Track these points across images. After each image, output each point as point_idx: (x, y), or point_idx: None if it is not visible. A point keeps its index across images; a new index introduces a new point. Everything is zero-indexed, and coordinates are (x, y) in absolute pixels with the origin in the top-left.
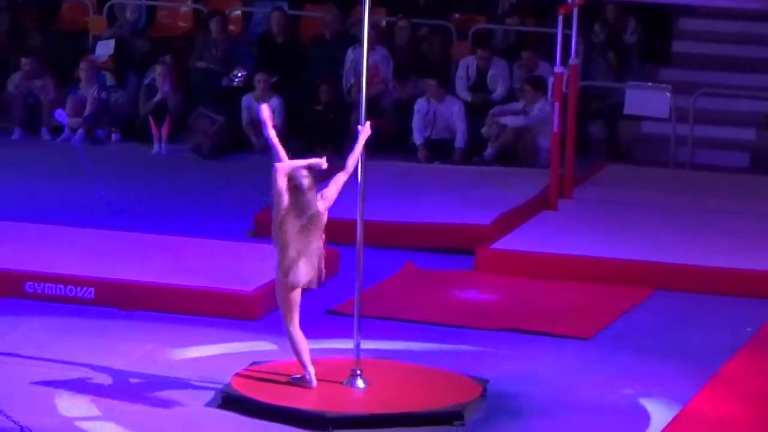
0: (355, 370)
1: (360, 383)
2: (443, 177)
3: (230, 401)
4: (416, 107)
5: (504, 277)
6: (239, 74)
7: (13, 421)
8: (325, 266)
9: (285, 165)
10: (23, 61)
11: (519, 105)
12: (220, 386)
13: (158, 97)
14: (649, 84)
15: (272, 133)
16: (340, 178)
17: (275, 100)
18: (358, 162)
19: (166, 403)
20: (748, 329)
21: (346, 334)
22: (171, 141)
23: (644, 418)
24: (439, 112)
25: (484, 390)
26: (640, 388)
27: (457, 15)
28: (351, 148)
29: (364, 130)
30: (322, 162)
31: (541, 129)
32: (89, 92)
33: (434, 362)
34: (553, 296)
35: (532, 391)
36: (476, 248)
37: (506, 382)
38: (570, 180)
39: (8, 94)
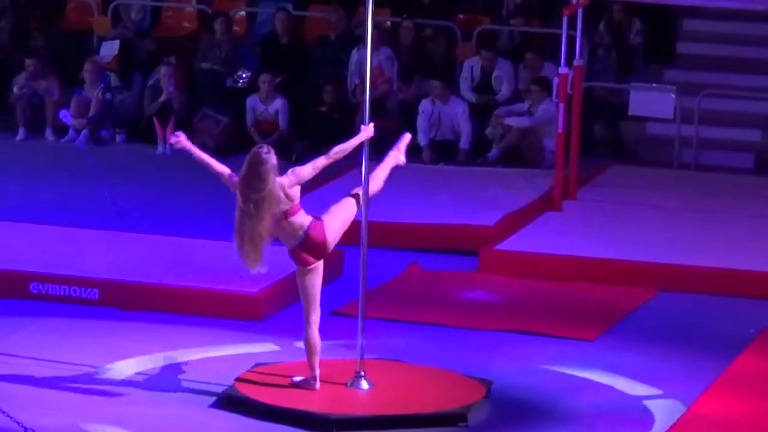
0: (359, 372)
1: (364, 384)
2: (448, 178)
3: (234, 402)
4: (421, 108)
5: (508, 278)
6: (244, 75)
7: (17, 421)
8: (330, 267)
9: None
10: (27, 61)
11: (524, 106)
12: (224, 387)
13: (163, 97)
14: (654, 85)
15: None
16: (319, 161)
17: (280, 101)
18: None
19: (170, 405)
20: (752, 330)
21: (350, 335)
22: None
23: (648, 419)
24: (444, 113)
25: (488, 391)
26: (644, 389)
27: (461, 15)
28: (356, 150)
29: (367, 129)
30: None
31: (545, 130)
32: (94, 93)
33: (438, 363)
34: (557, 297)
35: (536, 393)
36: (480, 249)
37: (510, 384)
38: (574, 181)
39: (13, 94)
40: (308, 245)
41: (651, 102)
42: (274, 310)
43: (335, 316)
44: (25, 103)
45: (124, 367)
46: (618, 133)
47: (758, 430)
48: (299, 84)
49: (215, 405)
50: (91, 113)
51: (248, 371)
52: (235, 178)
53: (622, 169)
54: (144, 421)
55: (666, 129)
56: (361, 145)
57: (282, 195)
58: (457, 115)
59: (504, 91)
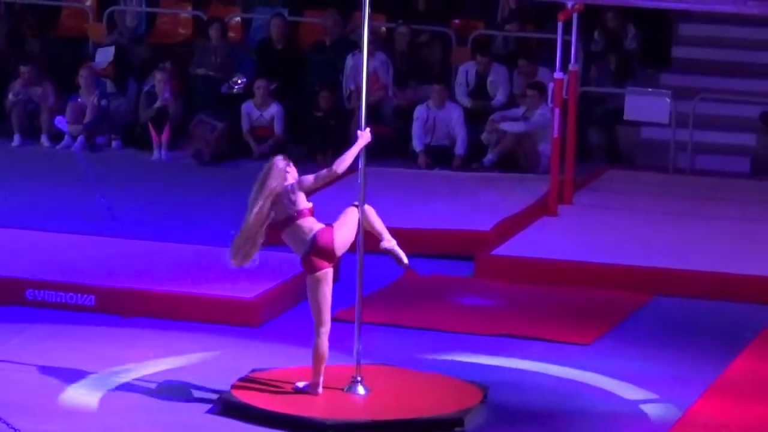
0: (356, 377)
1: (361, 390)
2: (443, 183)
3: (231, 408)
4: (416, 114)
5: (504, 283)
6: (239, 81)
7: (13, 428)
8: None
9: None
10: (23, 68)
11: (519, 111)
12: (220, 393)
13: (158, 103)
14: (649, 89)
15: None
16: (322, 173)
17: (275, 107)
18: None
19: (167, 410)
20: (748, 335)
21: (347, 341)
22: (171, 147)
23: (645, 423)
24: (439, 119)
25: (485, 396)
26: (640, 393)
27: (456, 21)
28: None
29: (364, 136)
30: None
31: (541, 135)
32: (89, 99)
33: (434, 368)
34: (553, 302)
35: (532, 397)
36: (476, 254)
37: (506, 388)
38: (570, 186)
39: (8, 101)
40: (316, 250)
41: (646, 106)
42: (270, 316)
43: (332, 321)
44: (21, 109)
45: (121, 374)
46: (614, 138)
47: None
48: (295, 90)
49: (212, 411)
50: (86, 119)
51: (245, 377)
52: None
53: (617, 174)
54: (140, 427)
55: (661, 133)
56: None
57: (284, 197)
58: (453, 120)
59: (499, 96)
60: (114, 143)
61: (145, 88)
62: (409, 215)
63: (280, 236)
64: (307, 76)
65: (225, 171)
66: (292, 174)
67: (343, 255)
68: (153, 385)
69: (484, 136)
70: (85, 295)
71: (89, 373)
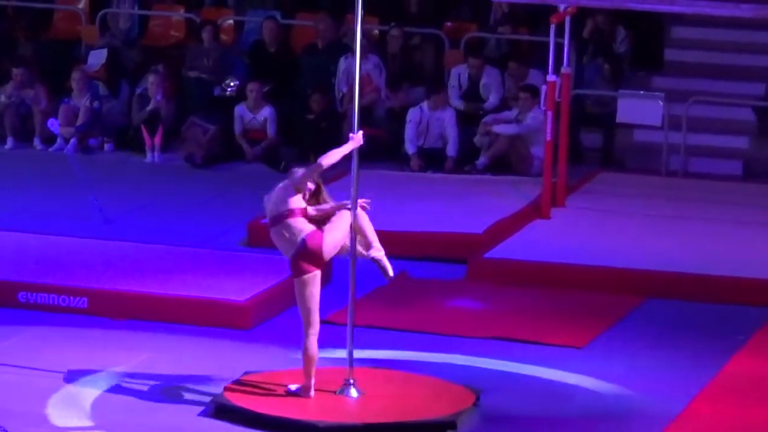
0: (348, 379)
1: (353, 392)
2: (436, 186)
3: (223, 411)
4: (409, 117)
5: (497, 286)
6: (232, 83)
7: (5, 430)
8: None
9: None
10: (15, 71)
11: (512, 113)
12: (212, 396)
13: (151, 106)
14: (642, 92)
15: None
16: (312, 166)
17: (268, 109)
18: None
19: (159, 413)
20: (741, 337)
21: (339, 343)
22: (164, 150)
23: (637, 426)
24: (433, 121)
25: (477, 399)
26: (633, 396)
27: (449, 23)
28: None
29: (356, 138)
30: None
31: (534, 137)
32: (82, 102)
33: (427, 371)
34: (546, 305)
35: (524, 400)
36: (469, 257)
37: (499, 391)
38: (563, 188)
39: (0, 104)
40: (304, 253)
41: (639, 109)
42: (262, 319)
43: (324, 323)
44: (13, 112)
45: (113, 376)
46: (607, 141)
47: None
48: (287, 92)
49: (204, 413)
50: (79, 122)
51: (237, 379)
52: None
53: (610, 177)
54: (132, 429)
55: (654, 136)
56: (350, 153)
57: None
58: (445, 122)
59: (492, 98)
60: (106, 146)
61: (138, 91)
62: (401, 218)
63: (262, 237)
64: (300, 79)
65: (217, 173)
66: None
67: (336, 258)
68: (145, 388)
69: (476, 139)
70: (78, 298)
71: (81, 375)
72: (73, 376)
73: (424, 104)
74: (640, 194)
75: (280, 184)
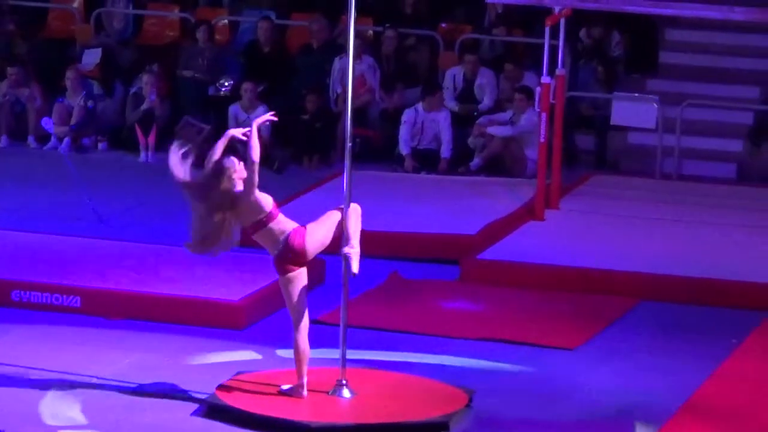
0: (341, 380)
1: (346, 393)
2: (430, 187)
3: (215, 411)
4: (404, 118)
5: (490, 287)
6: (226, 83)
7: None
8: (311, 275)
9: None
10: (10, 69)
11: (506, 115)
12: (205, 395)
13: (145, 105)
14: (636, 95)
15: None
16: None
17: (262, 110)
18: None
19: (152, 412)
20: (734, 341)
21: (331, 344)
22: (158, 149)
23: (630, 429)
24: (427, 122)
25: (470, 400)
26: (624, 398)
27: (444, 25)
28: (339, 158)
29: (260, 119)
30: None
31: (528, 139)
32: (76, 101)
33: (420, 372)
34: (539, 306)
35: (517, 402)
36: (462, 258)
37: (491, 392)
38: (557, 190)
39: None
40: (287, 252)
41: (633, 112)
42: (254, 319)
43: (317, 324)
44: (8, 110)
45: (106, 375)
46: (601, 143)
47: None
48: (281, 92)
49: (197, 413)
50: (73, 121)
51: (229, 379)
52: None
53: (604, 179)
54: (125, 428)
55: (648, 139)
56: (342, 155)
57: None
58: (440, 123)
59: (486, 100)
60: (101, 145)
61: (132, 90)
62: (395, 219)
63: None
64: (294, 79)
65: None
66: (239, 169)
67: (329, 259)
68: (138, 387)
69: (470, 140)
70: (71, 297)
71: (74, 374)
72: (65, 375)
73: (419, 105)
74: (633, 197)
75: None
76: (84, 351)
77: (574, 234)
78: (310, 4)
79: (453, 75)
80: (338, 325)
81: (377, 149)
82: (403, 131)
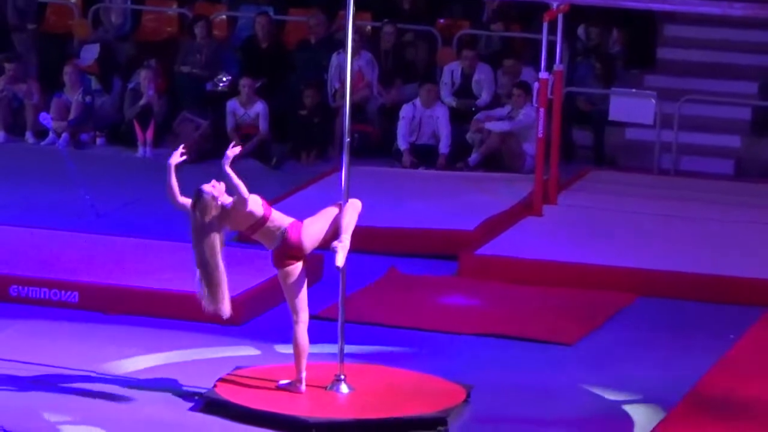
0: (339, 375)
1: (344, 388)
2: (428, 182)
3: (214, 406)
4: (402, 113)
5: (488, 283)
6: (224, 79)
7: (3, 428)
8: (309, 271)
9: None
10: (7, 65)
11: (504, 110)
12: (203, 391)
13: (143, 101)
14: (634, 90)
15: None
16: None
17: (260, 105)
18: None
19: (150, 407)
20: (731, 336)
21: (330, 339)
22: (156, 145)
23: (628, 424)
24: (425, 118)
25: (468, 395)
26: (623, 394)
27: (442, 20)
28: (337, 154)
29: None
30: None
31: (526, 134)
32: (74, 96)
33: (418, 367)
34: (537, 302)
35: (515, 397)
36: (460, 254)
37: (490, 388)
38: (554, 186)
39: None
40: (284, 246)
41: (631, 108)
42: (252, 314)
43: (315, 319)
44: (5, 106)
45: (104, 370)
46: (599, 139)
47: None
48: (279, 88)
49: (195, 408)
50: (71, 116)
51: (228, 374)
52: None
53: (602, 175)
54: (123, 424)
55: (646, 135)
56: (340, 151)
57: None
58: (438, 119)
59: (484, 95)
60: (98, 140)
61: (130, 86)
62: (392, 214)
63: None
64: (292, 75)
65: (209, 169)
66: (219, 191)
67: (327, 254)
68: (136, 382)
69: (468, 136)
70: (69, 292)
71: (72, 370)
72: (63, 371)
73: (417, 101)
74: (631, 192)
75: (227, 205)
76: (82, 346)
77: (572, 229)
78: None
79: (451, 70)
80: (336, 321)
81: (375, 145)
82: (402, 127)
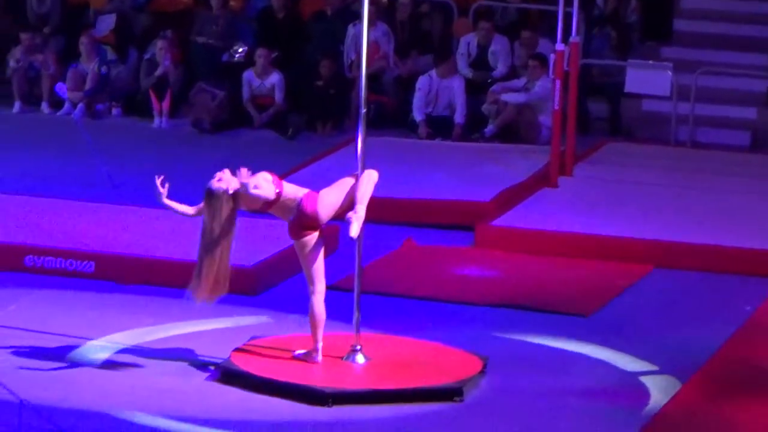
0: (355, 346)
1: (360, 358)
2: (444, 154)
3: (230, 376)
4: (418, 85)
5: (504, 254)
6: (240, 50)
7: (12, 392)
8: (325, 241)
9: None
10: (23, 35)
11: (520, 82)
12: (219, 361)
13: (159, 71)
14: (651, 62)
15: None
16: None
17: (276, 76)
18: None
19: (167, 377)
20: (748, 308)
21: (346, 309)
22: (172, 115)
23: (644, 395)
24: (441, 89)
25: (484, 366)
26: (639, 365)
27: None
28: (352, 125)
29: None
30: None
31: (541, 106)
32: (90, 67)
33: (434, 338)
34: (553, 273)
35: (531, 368)
36: (476, 225)
37: (505, 358)
38: (570, 157)
39: (9, 68)
40: (300, 217)
41: (648, 79)
42: (269, 285)
43: (331, 290)
44: (21, 76)
45: (120, 340)
46: (615, 110)
47: (753, 407)
48: (295, 59)
49: (211, 378)
50: (87, 87)
51: (244, 344)
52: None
53: (618, 146)
54: (140, 393)
55: (662, 106)
56: (356, 122)
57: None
58: (454, 90)
59: (500, 67)
60: (114, 111)
61: (146, 56)
62: (409, 185)
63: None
64: (308, 46)
65: (225, 139)
66: (226, 180)
67: (343, 225)
68: (152, 352)
69: (484, 107)
70: (85, 262)
71: (88, 340)
72: (79, 340)
73: (433, 72)
74: (647, 164)
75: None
76: (97, 316)
77: (588, 201)
78: None
79: (467, 42)
80: (352, 291)
81: (391, 116)
82: (417, 98)
